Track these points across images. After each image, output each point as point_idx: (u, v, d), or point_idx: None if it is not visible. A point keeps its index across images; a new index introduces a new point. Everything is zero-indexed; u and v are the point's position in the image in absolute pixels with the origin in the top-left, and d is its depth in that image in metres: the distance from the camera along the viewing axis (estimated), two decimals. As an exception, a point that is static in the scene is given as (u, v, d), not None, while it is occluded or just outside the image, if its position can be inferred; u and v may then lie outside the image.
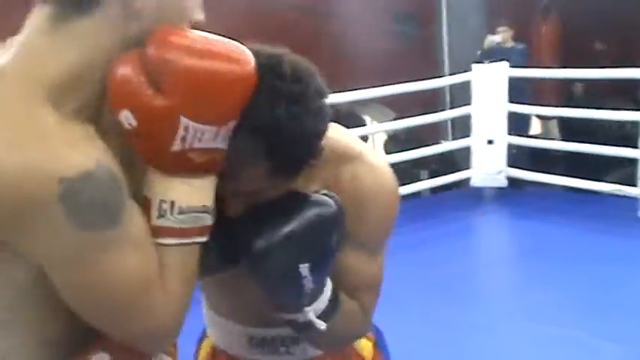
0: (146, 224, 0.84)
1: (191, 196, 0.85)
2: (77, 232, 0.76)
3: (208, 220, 0.88)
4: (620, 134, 5.71)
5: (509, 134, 5.83)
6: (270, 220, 0.98)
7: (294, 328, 1.13)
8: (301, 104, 0.93)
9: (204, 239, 0.89)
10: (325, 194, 1.04)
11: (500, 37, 6.31)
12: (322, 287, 1.08)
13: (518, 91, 5.82)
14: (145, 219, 0.84)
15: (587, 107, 5.52)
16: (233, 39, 0.87)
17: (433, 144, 6.48)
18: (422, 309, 3.69)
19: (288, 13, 7.97)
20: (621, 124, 5.77)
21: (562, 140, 6.49)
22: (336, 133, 1.11)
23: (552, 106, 6.40)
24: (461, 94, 6.34)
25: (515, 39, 6.38)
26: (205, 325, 1.41)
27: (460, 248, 4.89)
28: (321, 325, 1.09)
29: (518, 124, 6.08)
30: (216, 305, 1.33)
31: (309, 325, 1.10)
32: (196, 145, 0.81)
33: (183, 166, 0.82)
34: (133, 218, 0.82)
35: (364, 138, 8.25)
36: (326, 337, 1.12)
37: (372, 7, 8.05)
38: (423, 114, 5.97)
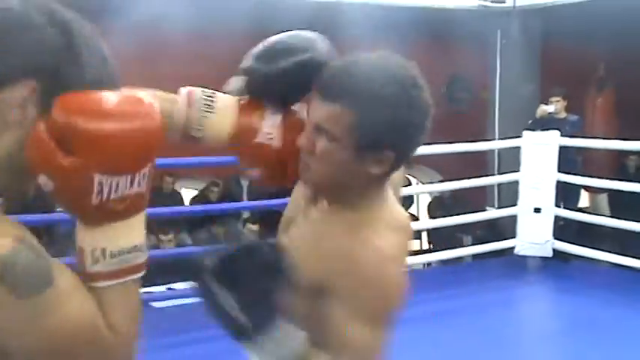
0: (71, 272, 0.88)
1: (120, 239, 0.88)
2: (21, 301, 0.80)
3: (141, 256, 0.91)
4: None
5: (557, 206, 5.72)
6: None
7: None
8: None
9: (140, 275, 0.92)
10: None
11: (553, 107, 6.20)
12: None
13: (569, 162, 5.72)
14: (68, 267, 0.89)
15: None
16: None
17: (479, 210, 6.38)
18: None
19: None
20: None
21: (611, 216, 6.32)
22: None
23: (603, 178, 6.28)
24: (510, 162, 6.27)
25: (568, 110, 6.30)
26: None
27: (501, 318, 4.74)
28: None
29: (567, 195, 5.96)
30: None
31: None
32: (113, 195, 0.86)
33: (106, 215, 0.87)
34: (61, 272, 0.86)
35: (409, 198, 8.21)
36: None
37: (425, 69, 8.08)
38: (470, 178, 5.92)
